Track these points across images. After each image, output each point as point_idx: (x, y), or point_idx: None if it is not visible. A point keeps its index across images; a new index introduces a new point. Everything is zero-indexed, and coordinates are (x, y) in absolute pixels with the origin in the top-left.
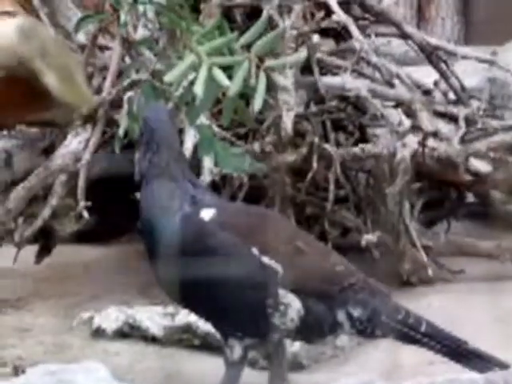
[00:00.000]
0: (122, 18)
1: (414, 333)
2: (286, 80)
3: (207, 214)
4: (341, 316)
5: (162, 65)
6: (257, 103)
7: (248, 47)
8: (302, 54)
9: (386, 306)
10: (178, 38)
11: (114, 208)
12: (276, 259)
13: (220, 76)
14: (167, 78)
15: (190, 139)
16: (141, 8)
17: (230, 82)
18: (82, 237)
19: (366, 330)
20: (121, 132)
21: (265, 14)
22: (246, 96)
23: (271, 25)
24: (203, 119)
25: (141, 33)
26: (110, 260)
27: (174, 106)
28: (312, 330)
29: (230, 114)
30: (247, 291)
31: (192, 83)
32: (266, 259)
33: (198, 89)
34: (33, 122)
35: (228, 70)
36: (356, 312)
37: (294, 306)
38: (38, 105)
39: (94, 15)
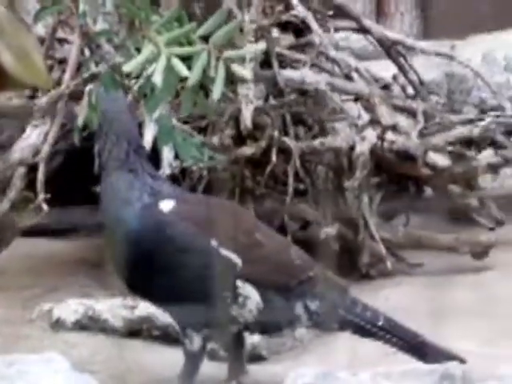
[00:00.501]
0: (81, 7)
1: (371, 326)
2: (245, 71)
3: (166, 205)
4: (298, 309)
5: (121, 57)
6: (215, 93)
7: (206, 39)
8: (261, 45)
9: (343, 300)
10: (137, 28)
11: (73, 200)
12: (235, 251)
13: (179, 66)
14: (125, 68)
15: (150, 132)
16: None
17: (189, 73)
18: (41, 229)
19: (323, 322)
20: (79, 123)
21: (224, 6)
22: (205, 88)
23: (230, 18)
24: (162, 111)
25: (100, 25)
26: (69, 252)
27: (134, 99)
28: (270, 322)
29: (189, 104)
30: (206, 283)
31: (151, 74)
32: (224, 251)
33: (157, 78)
34: None
35: (187, 60)
36: (313, 305)
37: (252, 297)
38: None
39: (51, 6)
